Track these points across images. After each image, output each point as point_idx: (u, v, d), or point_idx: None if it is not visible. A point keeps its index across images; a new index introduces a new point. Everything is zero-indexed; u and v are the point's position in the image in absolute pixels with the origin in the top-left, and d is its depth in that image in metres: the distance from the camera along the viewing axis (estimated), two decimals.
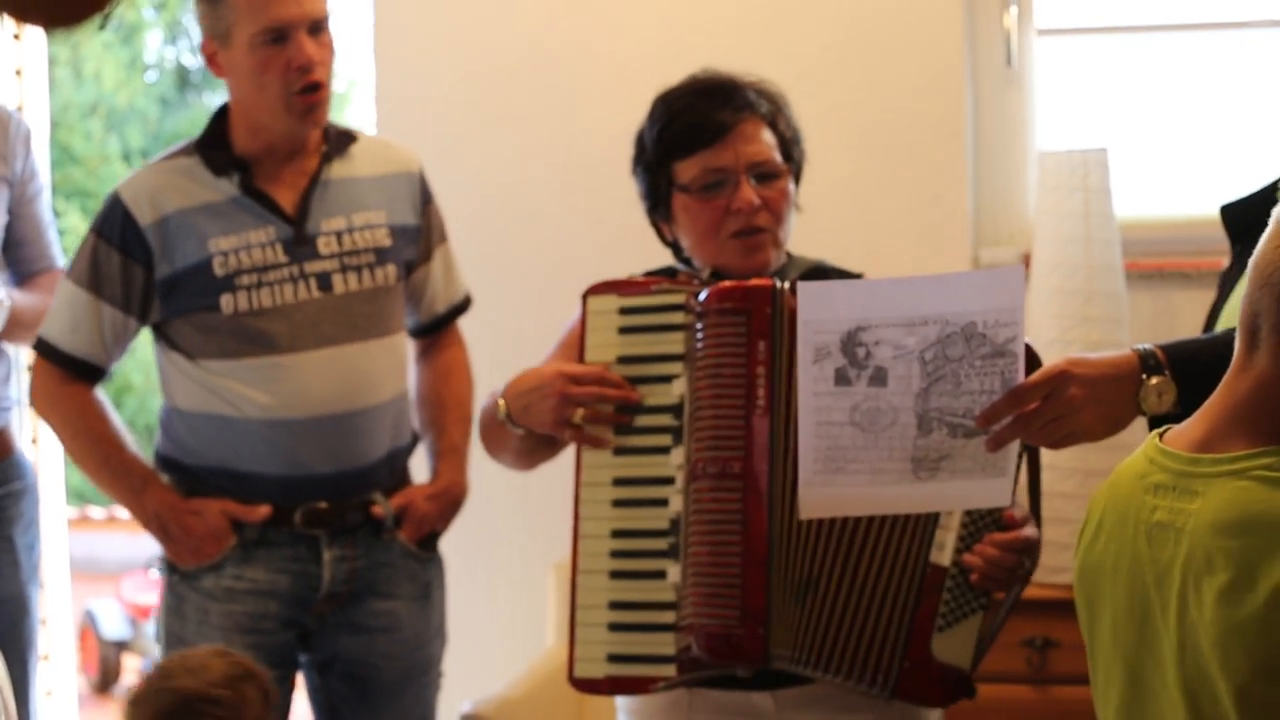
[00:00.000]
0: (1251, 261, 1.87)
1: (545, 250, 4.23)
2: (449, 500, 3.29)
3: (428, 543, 3.27)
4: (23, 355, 4.17)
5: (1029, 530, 2.59)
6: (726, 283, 2.63)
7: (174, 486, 3.17)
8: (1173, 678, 1.86)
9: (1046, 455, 3.65)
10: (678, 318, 2.65)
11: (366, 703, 3.25)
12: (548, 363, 2.82)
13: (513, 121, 4.24)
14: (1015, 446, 2.29)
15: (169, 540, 3.14)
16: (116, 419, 3.19)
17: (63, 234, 3.72)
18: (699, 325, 2.61)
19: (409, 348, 3.33)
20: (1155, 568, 1.89)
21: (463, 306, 3.42)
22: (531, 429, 2.73)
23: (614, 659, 2.65)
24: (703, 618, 2.58)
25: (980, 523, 2.59)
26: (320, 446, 3.12)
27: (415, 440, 3.33)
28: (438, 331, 3.39)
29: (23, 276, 3.59)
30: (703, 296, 2.61)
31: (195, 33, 11.92)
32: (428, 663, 3.30)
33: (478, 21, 4.26)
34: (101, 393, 3.20)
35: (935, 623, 2.59)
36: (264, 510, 3.11)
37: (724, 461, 2.58)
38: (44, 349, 3.17)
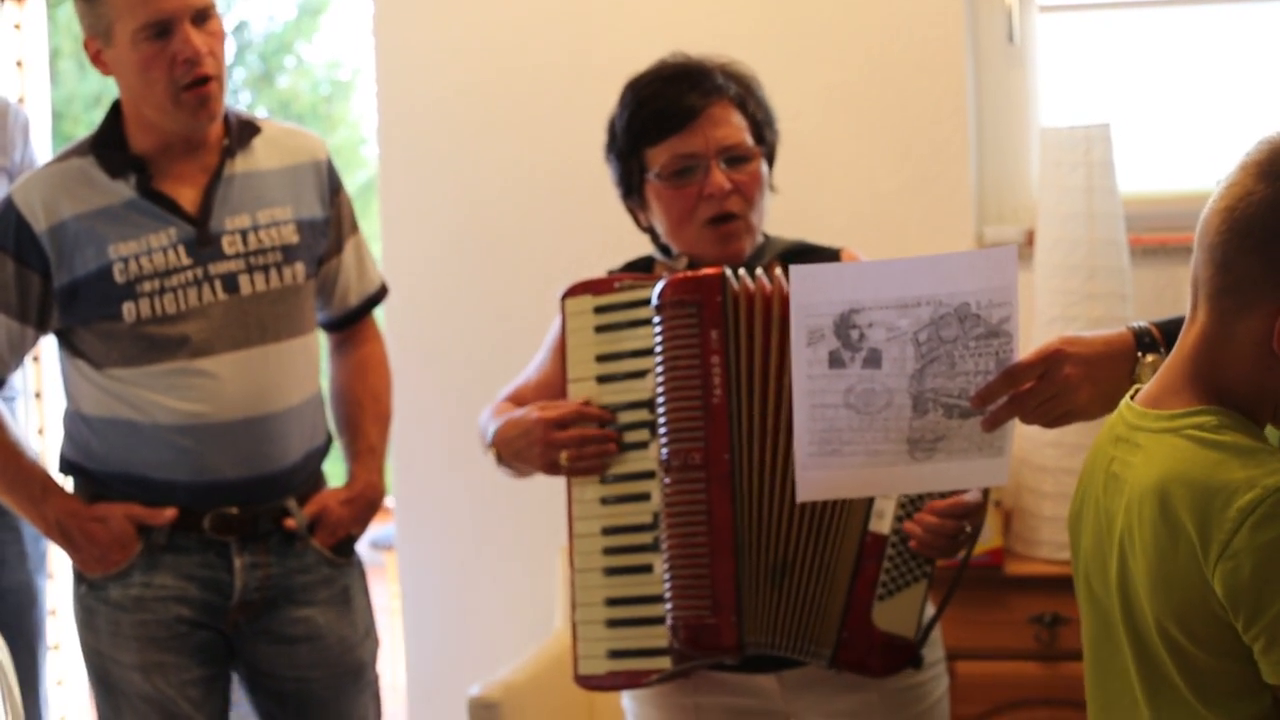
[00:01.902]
0: (1198, 224, 1.92)
1: (546, 238, 4.23)
2: (365, 503, 3.18)
3: (344, 547, 3.16)
4: None
5: (970, 495, 2.58)
6: (679, 274, 2.63)
7: (79, 492, 3.07)
8: (1120, 619, 1.95)
9: (1052, 432, 3.68)
10: (645, 313, 2.66)
11: (303, 718, 3.17)
12: (539, 377, 2.88)
13: (514, 110, 4.23)
14: (1011, 426, 2.29)
15: (73, 548, 3.03)
16: (14, 427, 3.08)
17: None
18: (657, 319, 2.62)
19: (322, 345, 3.24)
20: (1107, 516, 1.97)
21: (377, 297, 3.31)
22: (524, 470, 2.80)
23: (614, 654, 2.68)
24: (678, 610, 2.59)
25: None
26: (231, 452, 3.01)
27: (329, 440, 3.23)
28: (352, 325, 3.28)
29: None
30: (658, 290, 2.62)
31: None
32: (358, 668, 3.19)
33: (479, 19, 4.25)
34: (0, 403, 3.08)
35: (875, 591, 2.60)
36: (170, 513, 3.00)
37: (686, 453, 2.59)
38: None
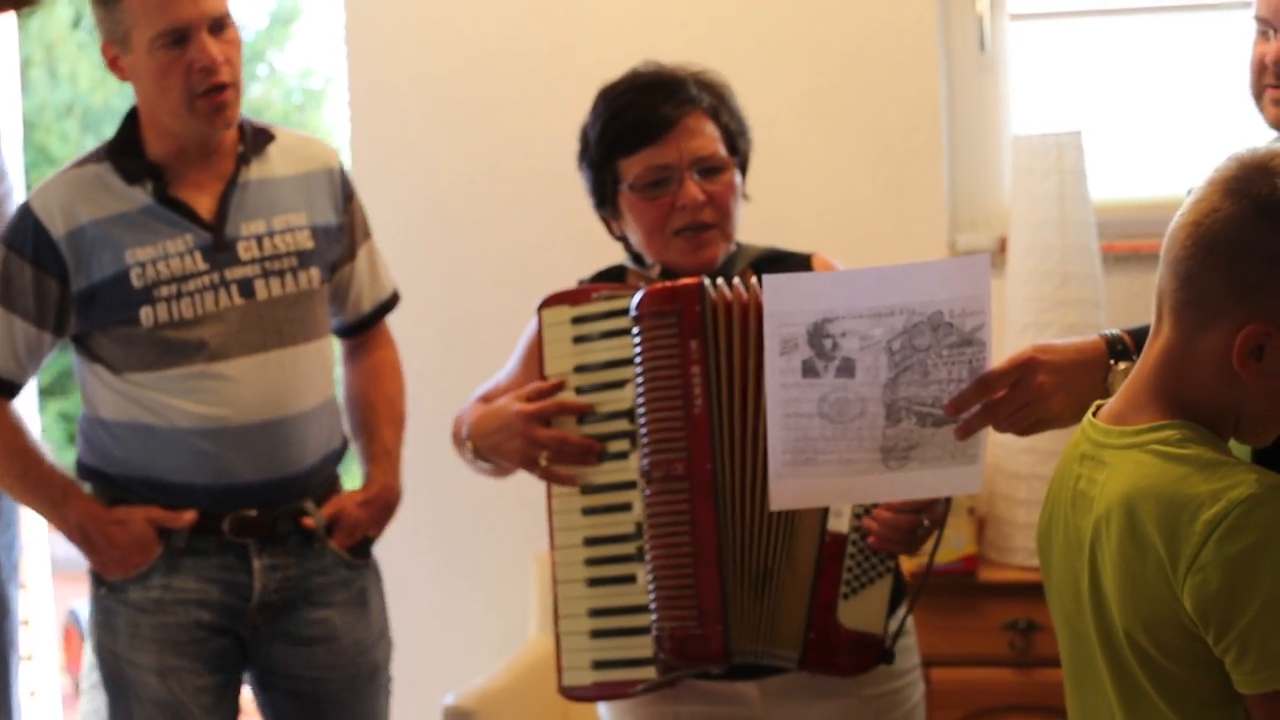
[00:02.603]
0: (1165, 238, 1.93)
1: (519, 247, 4.23)
2: (382, 505, 3.21)
3: (361, 549, 3.19)
4: None
5: None
6: (657, 284, 2.63)
7: (96, 496, 3.09)
8: (1094, 634, 1.95)
9: (1026, 440, 3.66)
10: (624, 323, 2.65)
11: (316, 718, 3.18)
12: (509, 378, 2.86)
13: (486, 119, 4.23)
14: (985, 434, 2.29)
15: (93, 551, 3.06)
16: (33, 431, 3.11)
17: None
18: (636, 330, 2.62)
19: (337, 349, 3.26)
20: (1077, 533, 1.97)
21: (390, 304, 3.34)
22: (500, 465, 2.78)
23: (598, 665, 2.66)
24: (664, 620, 2.59)
25: None
26: (249, 455, 3.03)
27: (345, 444, 3.26)
28: (365, 331, 3.31)
29: None
30: (636, 300, 2.62)
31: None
32: (373, 670, 3.22)
33: (449, 19, 4.25)
34: (16, 406, 3.11)
35: (839, 590, 2.60)
36: (190, 516, 3.02)
37: (668, 464, 2.58)
38: None
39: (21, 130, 4.56)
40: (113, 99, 11.05)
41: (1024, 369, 2.24)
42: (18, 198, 3.63)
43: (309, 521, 3.10)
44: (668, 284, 2.61)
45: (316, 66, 9.59)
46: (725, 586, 2.57)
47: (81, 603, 8.86)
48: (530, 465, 2.70)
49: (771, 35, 4.09)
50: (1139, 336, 2.28)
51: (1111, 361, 2.27)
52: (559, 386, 2.69)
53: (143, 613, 3.05)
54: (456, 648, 4.24)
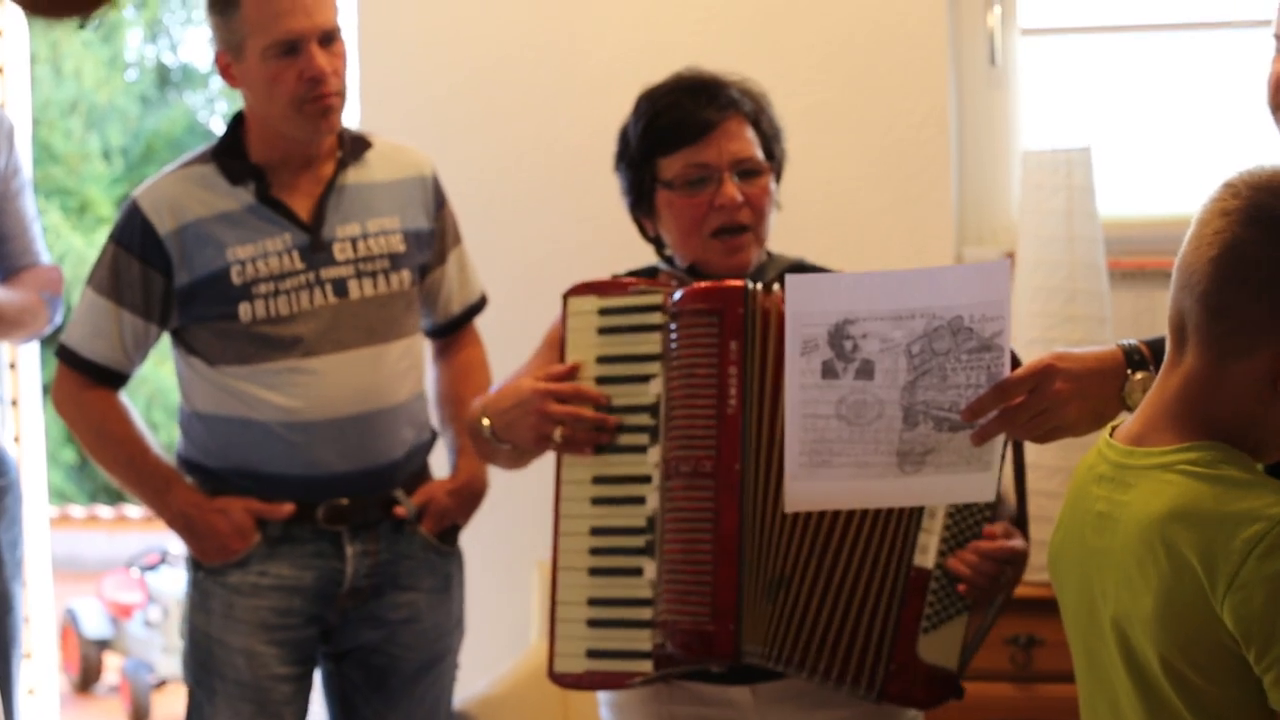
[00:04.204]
0: (1175, 264, 1.94)
1: (529, 248, 4.23)
2: (470, 494, 3.32)
3: (448, 536, 3.31)
4: (4, 353, 4.16)
5: (1015, 542, 2.61)
6: (701, 283, 2.64)
7: (197, 487, 3.20)
8: (1117, 657, 1.94)
9: (1032, 454, 3.68)
10: (655, 318, 2.66)
11: (380, 691, 3.27)
12: (529, 366, 2.85)
13: (497, 120, 4.24)
14: (1000, 441, 2.30)
15: (194, 538, 3.17)
16: (139, 422, 3.23)
17: (44, 232, 3.70)
18: (673, 326, 2.62)
19: (425, 348, 3.36)
20: (1097, 556, 1.97)
21: (478, 306, 3.45)
22: (514, 444, 2.77)
23: (592, 654, 2.66)
24: (675, 614, 2.59)
25: (963, 524, 2.60)
26: (339, 447, 3.14)
27: (434, 437, 3.36)
28: (454, 332, 3.42)
29: (5, 273, 3.57)
30: (677, 297, 2.63)
31: (178, 30, 11.90)
32: (444, 653, 3.33)
33: (462, 20, 4.26)
34: (124, 397, 3.23)
35: (920, 624, 2.60)
36: (288, 508, 3.14)
37: (696, 460, 2.59)
38: (65, 355, 3.19)
39: (29, 126, 4.56)
40: (117, 97, 11.09)
41: (1042, 376, 2.25)
42: (30, 193, 3.64)
43: (401, 510, 3.22)
44: (713, 283, 2.63)
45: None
46: (741, 586, 2.57)
47: (79, 602, 8.91)
48: (544, 442, 2.69)
49: (782, 46, 4.09)
50: (1155, 347, 2.29)
51: (1129, 371, 2.28)
52: (576, 369, 2.69)
53: (239, 595, 3.16)
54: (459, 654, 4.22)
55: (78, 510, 10.90)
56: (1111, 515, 1.95)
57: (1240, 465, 1.88)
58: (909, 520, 2.58)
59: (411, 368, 3.25)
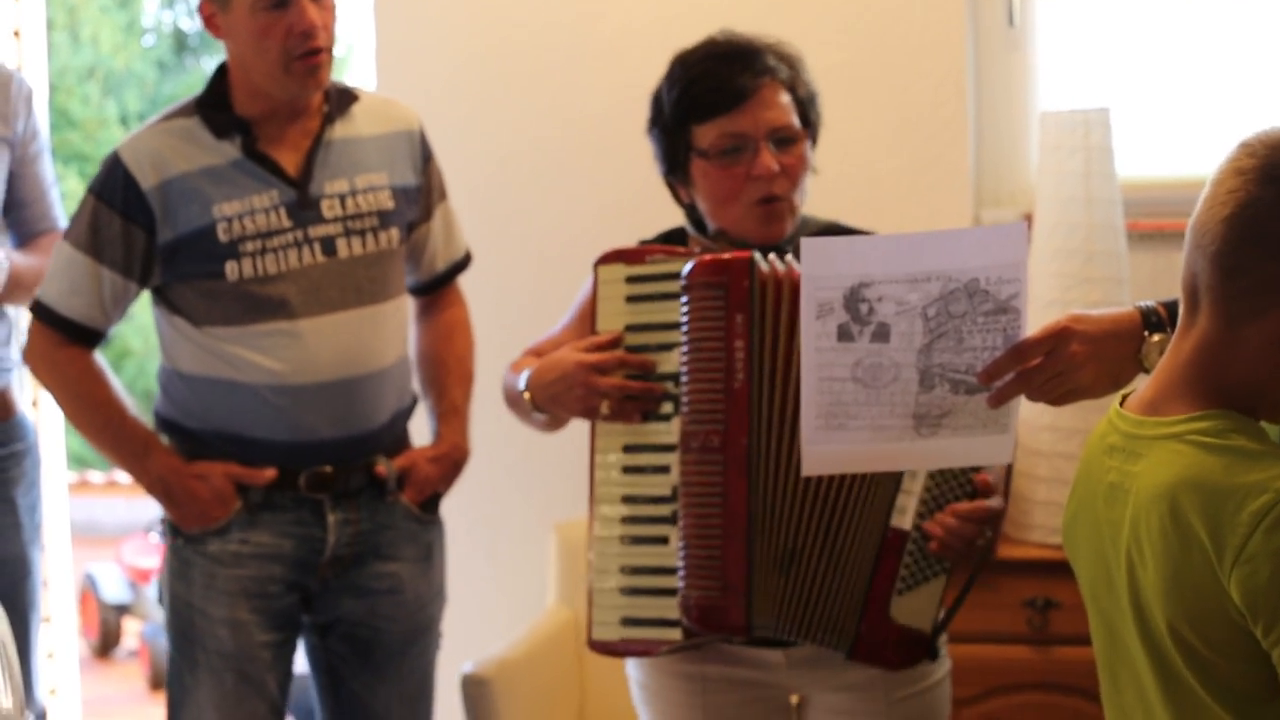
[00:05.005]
0: (1189, 224, 1.93)
1: (546, 213, 4.23)
2: (451, 462, 3.28)
3: (430, 505, 3.27)
4: (23, 317, 4.16)
5: (993, 502, 2.60)
6: (707, 256, 2.62)
7: (174, 448, 3.15)
8: (1133, 630, 1.94)
9: (1049, 416, 3.68)
10: (675, 287, 2.65)
11: (368, 664, 3.25)
12: (562, 334, 2.86)
13: (514, 85, 4.23)
14: (1017, 403, 2.29)
15: (173, 505, 3.12)
16: (116, 383, 3.17)
17: (62, 198, 3.70)
18: (684, 299, 2.62)
19: (410, 307, 3.32)
20: (1110, 527, 1.96)
21: (463, 264, 3.40)
22: (559, 415, 2.77)
23: (627, 622, 2.67)
24: (689, 588, 2.60)
25: (944, 487, 2.61)
26: (326, 412, 3.10)
27: (415, 401, 3.32)
28: (438, 290, 3.37)
29: (24, 238, 3.57)
30: (687, 269, 2.61)
31: None
32: (428, 623, 3.30)
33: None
34: (100, 357, 3.17)
35: (895, 585, 2.61)
36: (269, 473, 3.10)
37: (705, 435, 2.59)
38: (41, 312, 3.12)
39: (46, 92, 4.56)
40: (134, 63, 11.09)
41: (1058, 338, 2.24)
42: (48, 158, 3.63)
43: (381, 469, 3.17)
44: (719, 256, 2.61)
45: (339, 29, 9.59)
46: (751, 561, 2.58)
47: (98, 567, 8.93)
48: (590, 414, 2.69)
49: (799, 9, 4.08)
50: (1172, 309, 2.28)
51: (1145, 333, 2.27)
52: (618, 340, 2.68)
53: (220, 564, 3.12)
54: (474, 616, 4.24)
55: (97, 475, 10.93)
56: (1122, 486, 1.94)
57: (1251, 435, 1.87)
58: (889, 482, 2.59)
59: (398, 330, 3.20)
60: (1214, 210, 1.89)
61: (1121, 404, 2.01)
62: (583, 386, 2.66)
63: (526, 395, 2.77)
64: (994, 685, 3.72)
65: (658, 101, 2.82)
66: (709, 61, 2.76)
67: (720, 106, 2.72)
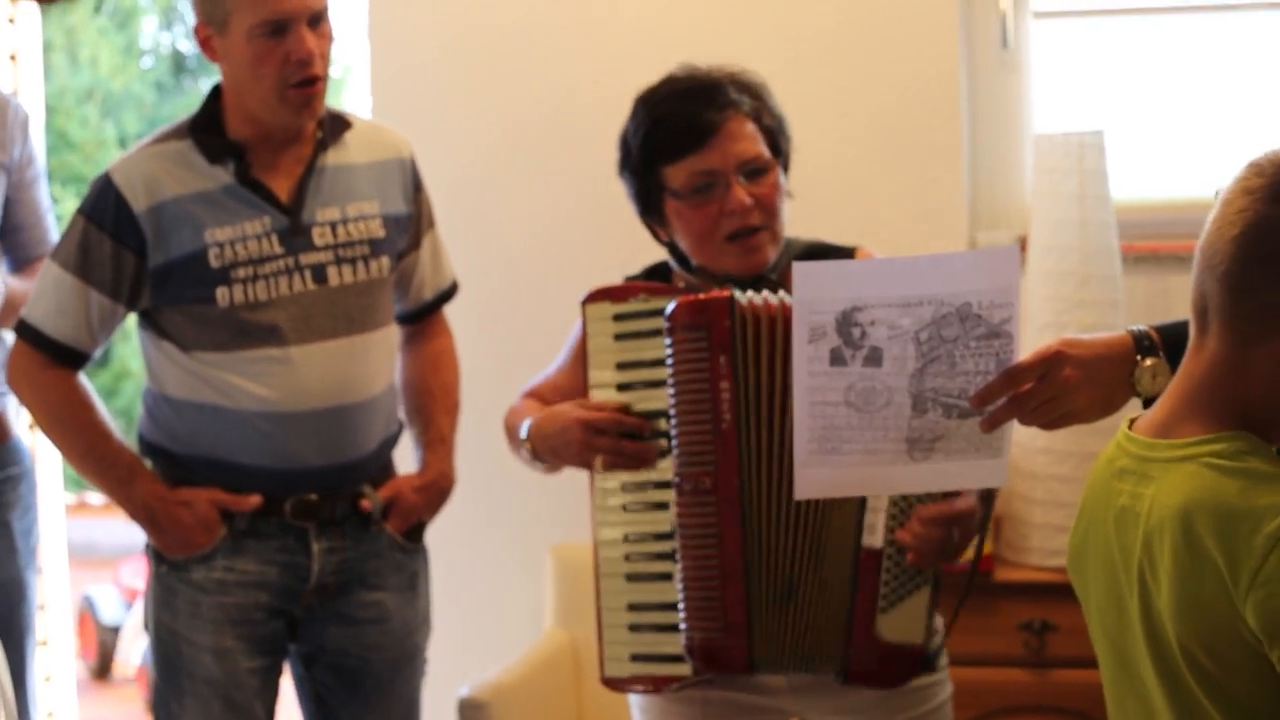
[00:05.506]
0: (1198, 245, 1.91)
1: (539, 235, 4.23)
2: (437, 491, 3.27)
3: (415, 533, 3.25)
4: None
5: (960, 502, 2.59)
6: (687, 297, 2.63)
7: (159, 473, 3.13)
8: (1146, 656, 1.92)
9: (1043, 439, 3.68)
10: (661, 324, 2.66)
11: (356, 694, 3.23)
12: (559, 374, 2.90)
13: (509, 109, 4.23)
14: (1010, 427, 2.29)
15: (158, 531, 3.09)
16: (101, 406, 3.13)
17: (60, 220, 3.69)
18: (668, 341, 2.63)
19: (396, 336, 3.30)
20: (1121, 551, 1.95)
21: (450, 293, 3.39)
22: (554, 463, 2.81)
23: (636, 658, 2.70)
24: (691, 629, 2.63)
25: (908, 500, 2.61)
26: (314, 440, 3.08)
27: (401, 429, 3.30)
28: (425, 319, 3.36)
29: (20, 262, 3.58)
30: (669, 309, 2.63)
31: (190, 15, 11.92)
32: (414, 652, 3.28)
33: (473, 5, 4.25)
34: (85, 379, 3.14)
35: (877, 604, 2.62)
36: (255, 500, 3.08)
37: (697, 477, 2.61)
38: (27, 332, 3.09)
39: (43, 114, 4.56)
40: (133, 85, 11.09)
41: (1051, 362, 2.24)
42: (45, 183, 3.64)
43: (367, 504, 3.15)
44: (699, 296, 2.62)
45: (335, 56, 9.60)
46: (750, 600, 2.61)
47: (96, 589, 8.91)
48: (587, 467, 2.73)
49: (793, 31, 4.08)
50: (1166, 333, 2.28)
51: (1138, 357, 2.27)
52: (620, 409, 2.70)
53: (204, 592, 3.09)
54: (472, 640, 4.24)
55: (95, 497, 10.91)
56: (1134, 509, 1.92)
57: (1265, 457, 1.86)
58: (853, 503, 2.60)
59: (387, 358, 3.19)
60: (1223, 230, 1.88)
61: (1130, 427, 2.00)
62: (579, 444, 2.69)
63: (528, 445, 2.80)
64: (991, 708, 3.72)
65: (625, 144, 2.82)
66: (671, 100, 2.75)
67: (687, 146, 2.72)
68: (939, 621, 2.78)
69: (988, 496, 2.62)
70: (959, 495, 2.59)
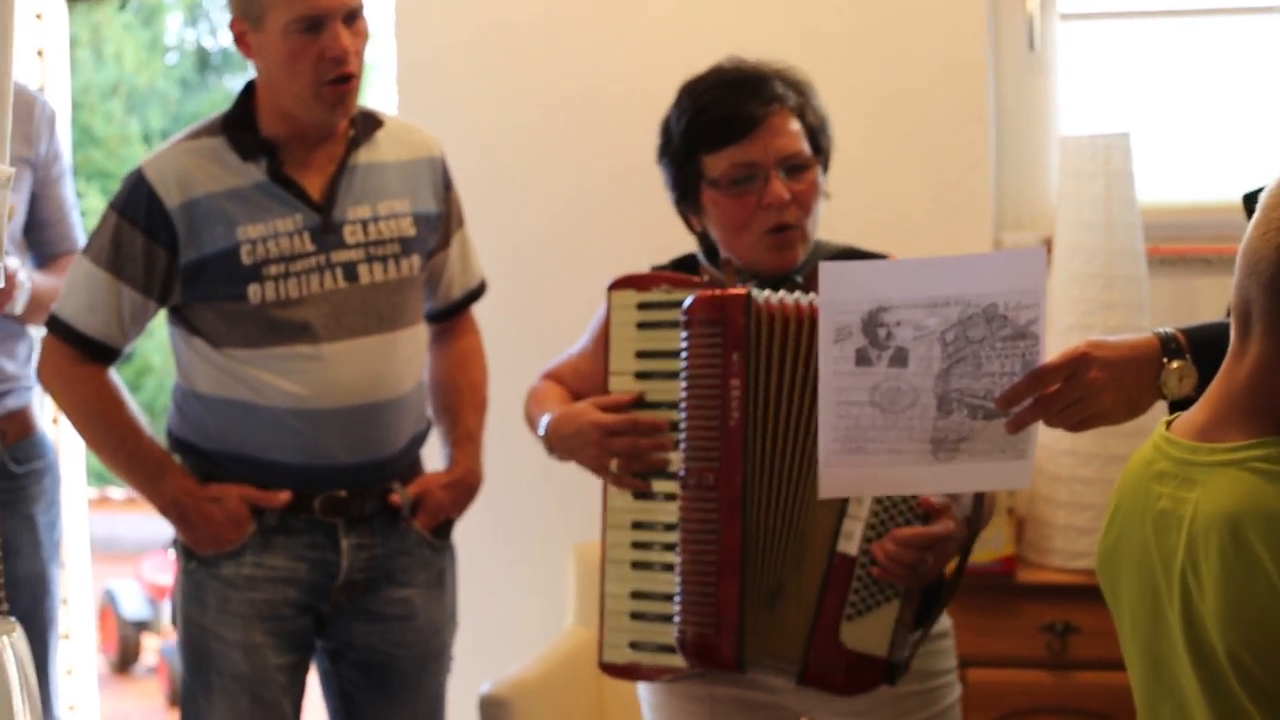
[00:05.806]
0: (1240, 249, 1.90)
1: (563, 233, 4.23)
2: (465, 489, 3.28)
3: (443, 531, 3.26)
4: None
5: (939, 527, 2.58)
6: (705, 292, 2.64)
7: (187, 469, 3.14)
8: (1185, 659, 1.90)
9: (1068, 441, 3.68)
10: (680, 316, 2.66)
11: (382, 690, 3.24)
12: (580, 362, 2.91)
13: (535, 107, 4.24)
14: (1036, 429, 2.29)
15: (188, 527, 3.10)
16: (132, 402, 3.14)
17: (84, 215, 3.71)
18: (684, 334, 2.64)
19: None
20: (1161, 554, 1.92)
21: (478, 292, 3.40)
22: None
23: (635, 646, 2.71)
24: (685, 624, 2.64)
25: (891, 511, 2.60)
26: (344, 437, 3.09)
27: (429, 427, 3.31)
28: (453, 317, 3.37)
29: (45, 258, 3.59)
30: (687, 303, 2.63)
31: (218, 14, 11.94)
32: (441, 649, 3.29)
33: (497, 2, 4.26)
34: (116, 375, 3.15)
35: (844, 611, 2.61)
36: (284, 496, 3.08)
37: (701, 472, 2.62)
38: (58, 327, 3.10)
39: (69, 110, 4.58)
40: (157, 81, 11.12)
41: (1077, 364, 2.24)
42: (70, 179, 3.65)
43: (396, 499, 3.16)
44: (716, 292, 2.63)
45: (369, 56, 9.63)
46: (743, 599, 2.61)
47: (118, 583, 8.94)
48: (601, 471, 2.73)
49: (819, 32, 4.08)
50: (1192, 335, 2.27)
51: (1164, 359, 2.26)
52: (633, 399, 2.71)
53: (233, 588, 3.10)
54: (494, 637, 4.24)
55: (117, 492, 10.94)
56: (1175, 513, 1.90)
57: None
58: (832, 506, 2.59)
59: (416, 356, 3.20)
60: (1267, 236, 1.85)
61: (1167, 428, 1.98)
62: (596, 446, 2.70)
63: (545, 441, 2.81)
64: (1012, 709, 3.72)
65: (666, 131, 2.82)
66: (717, 90, 2.75)
67: (730, 136, 2.72)
68: (947, 622, 2.78)
69: (974, 518, 2.62)
70: (940, 518, 2.58)
